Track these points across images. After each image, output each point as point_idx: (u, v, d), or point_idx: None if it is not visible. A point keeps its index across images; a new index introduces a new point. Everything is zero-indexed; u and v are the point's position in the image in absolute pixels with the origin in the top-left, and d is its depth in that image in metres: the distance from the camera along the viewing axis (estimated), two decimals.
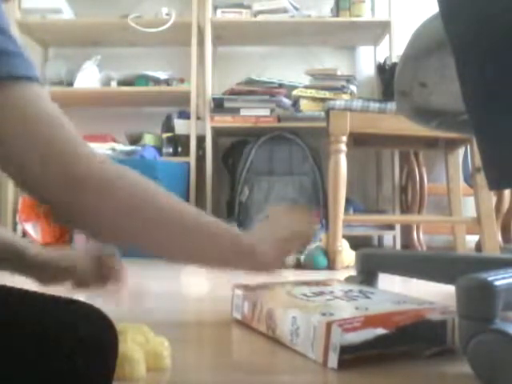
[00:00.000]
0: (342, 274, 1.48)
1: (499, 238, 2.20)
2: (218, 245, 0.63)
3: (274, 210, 0.78)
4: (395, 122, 1.75)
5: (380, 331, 0.70)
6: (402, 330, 0.71)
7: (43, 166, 0.48)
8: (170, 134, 2.49)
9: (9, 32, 0.47)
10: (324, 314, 0.74)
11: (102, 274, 0.82)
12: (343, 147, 1.83)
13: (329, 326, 0.69)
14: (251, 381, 0.67)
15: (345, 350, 0.68)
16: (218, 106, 2.42)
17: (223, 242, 0.63)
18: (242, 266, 0.68)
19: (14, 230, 2.45)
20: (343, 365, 0.68)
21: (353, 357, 0.68)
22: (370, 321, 0.71)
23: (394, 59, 2.45)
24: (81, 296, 1.11)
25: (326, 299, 0.86)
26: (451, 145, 2.13)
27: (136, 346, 0.67)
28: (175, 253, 0.63)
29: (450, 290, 0.74)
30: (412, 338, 0.73)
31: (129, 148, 2.41)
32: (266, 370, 0.72)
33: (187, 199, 2.37)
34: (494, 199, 2.10)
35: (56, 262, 0.79)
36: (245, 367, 0.72)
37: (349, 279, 1.13)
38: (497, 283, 0.63)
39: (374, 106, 1.83)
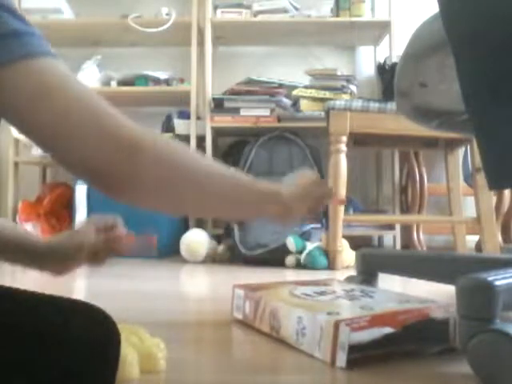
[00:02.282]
0: (342, 274, 1.48)
1: (499, 238, 2.20)
2: (252, 192, 0.66)
3: (292, 175, 0.81)
4: (395, 122, 1.75)
5: (387, 330, 0.70)
6: (407, 329, 0.72)
7: (91, 137, 0.48)
8: (169, 134, 2.49)
9: (17, 12, 0.47)
10: (330, 314, 0.74)
11: (109, 244, 0.81)
12: (343, 147, 1.83)
13: (337, 325, 0.69)
14: (256, 381, 0.67)
15: (353, 349, 0.68)
16: (218, 105, 2.42)
17: (255, 189, 0.67)
18: (269, 209, 0.70)
19: None
20: (350, 364, 0.68)
21: (360, 356, 0.69)
22: (376, 320, 0.72)
23: (394, 59, 2.45)
24: (81, 296, 1.11)
25: (329, 299, 0.86)
26: (451, 145, 2.13)
27: (130, 348, 0.66)
28: (219, 207, 0.65)
29: (449, 289, 0.74)
30: (417, 336, 0.73)
31: None
32: (271, 369, 0.72)
33: None
34: (494, 199, 2.10)
35: (64, 245, 0.79)
36: (249, 367, 0.72)
37: (349, 279, 1.13)
38: (497, 283, 0.63)
39: (374, 105, 1.83)
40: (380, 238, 2.67)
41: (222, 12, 2.53)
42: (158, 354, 0.68)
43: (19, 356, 0.45)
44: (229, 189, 0.63)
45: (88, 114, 0.48)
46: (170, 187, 0.55)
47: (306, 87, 2.38)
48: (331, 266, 1.83)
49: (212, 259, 2.10)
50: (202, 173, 0.58)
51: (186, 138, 2.45)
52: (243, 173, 0.67)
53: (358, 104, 1.83)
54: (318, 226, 2.16)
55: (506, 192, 2.31)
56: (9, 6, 0.46)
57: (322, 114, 2.05)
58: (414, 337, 0.73)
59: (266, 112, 2.38)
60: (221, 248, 2.12)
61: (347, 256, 1.89)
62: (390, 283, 1.19)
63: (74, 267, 0.81)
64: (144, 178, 0.51)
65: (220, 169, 0.61)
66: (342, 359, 0.68)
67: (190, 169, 0.56)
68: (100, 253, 0.81)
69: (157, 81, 2.50)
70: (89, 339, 0.48)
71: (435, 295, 0.94)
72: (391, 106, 1.79)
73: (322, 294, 0.90)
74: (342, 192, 1.83)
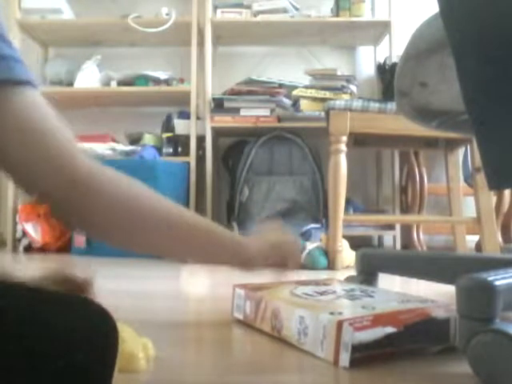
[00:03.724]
0: (342, 274, 1.48)
1: (499, 238, 2.20)
2: (212, 242, 0.67)
3: (263, 226, 0.82)
4: (395, 122, 1.75)
5: (389, 330, 0.70)
6: (409, 329, 0.72)
7: (41, 169, 0.50)
8: (169, 134, 2.49)
9: (6, 37, 0.48)
10: (332, 313, 0.74)
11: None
12: (343, 147, 1.83)
13: (340, 324, 0.70)
14: (259, 380, 0.67)
15: (356, 348, 0.68)
16: (218, 105, 2.42)
17: (215, 240, 0.68)
18: (229, 260, 0.73)
19: (14, 230, 2.45)
20: (353, 363, 0.68)
21: (362, 355, 0.69)
22: (378, 319, 0.72)
23: (394, 59, 2.45)
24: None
25: (330, 298, 0.87)
26: (451, 145, 2.13)
27: None
28: (171, 252, 0.66)
29: (449, 289, 0.74)
30: (419, 336, 0.74)
31: (129, 148, 2.41)
32: (274, 369, 0.72)
33: (187, 199, 2.37)
34: (494, 199, 2.10)
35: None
36: (251, 367, 0.72)
37: (349, 279, 1.14)
38: (497, 283, 0.63)
39: (374, 105, 1.83)
40: (380, 238, 2.67)
41: (222, 12, 2.53)
42: (139, 353, 0.67)
43: (17, 352, 0.45)
44: (193, 238, 0.63)
45: (52, 146, 0.50)
46: (122, 228, 0.56)
47: (306, 87, 2.38)
48: (331, 266, 1.83)
49: None
50: (164, 220, 0.59)
51: (186, 138, 2.46)
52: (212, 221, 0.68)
53: (358, 104, 1.83)
54: (318, 226, 2.16)
55: (506, 192, 2.31)
56: (2, 34, 0.47)
57: (322, 114, 2.05)
58: (416, 336, 0.74)
59: (266, 112, 2.38)
60: None
61: (347, 256, 1.89)
62: (390, 283, 1.19)
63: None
64: (98, 217, 0.54)
65: (188, 218, 0.62)
66: (345, 359, 0.69)
67: (149, 215, 0.57)
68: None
69: (157, 81, 2.50)
70: (87, 334, 0.48)
71: (435, 295, 0.94)
72: (391, 106, 1.79)
73: (322, 293, 0.90)
74: (343, 192, 1.83)
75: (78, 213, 0.53)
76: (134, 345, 0.69)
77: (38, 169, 0.50)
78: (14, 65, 0.48)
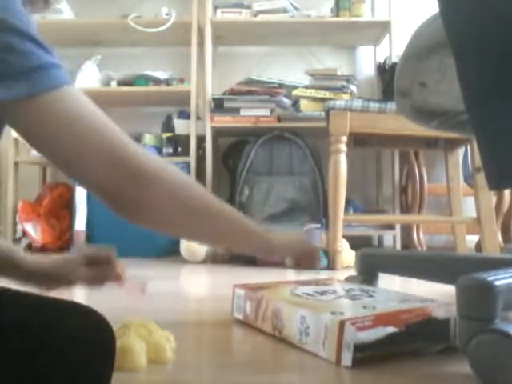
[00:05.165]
0: (342, 274, 1.48)
1: (499, 238, 2.20)
2: (245, 231, 0.70)
3: (287, 229, 0.89)
4: (395, 122, 1.75)
5: (391, 329, 0.71)
6: (410, 328, 0.72)
7: (100, 162, 0.51)
8: (169, 134, 2.49)
9: (43, 43, 0.50)
10: (334, 313, 0.74)
11: (100, 274, 0.82)
12: (343, 147, 1.83)
13: (342, 324, 0.70)
14: (261, 380, 0.67)
15: (358, 348, 0.68)
16: (218, 106, 2.42)
17: (254, 238, 0.72)
18: (257, 247, 0.76)
19: (14, 229, 2.45)
20: (354, 363, 0.68)
21: (364, 355, 0.69)
22: (380, 319, 0.72)
23: (394, 59, 2.45)
24: (81, 296, 1.11)
25: (331, 298, 0.87)
26: (451, 145, 2.13)
27: (138, 339, 0.69)
28: (210, 238, 0.69)
29: (449, 289, 0.74)
30: (419, 335, 0.74)
31: None
32: (276, 369, 0.72)
33: None
34: (494, 199, 2.10)
35: (57, 270, 0.79)
36: (251, 367, 0.72)
37: (349, 279, 1.14)
38: (497, 283, 0.63)
39: (374, 105, 1.83)
40: (380, 238, 2.67)
41: (222, 12, 2.53)
42: (166, 345, 0.71)
43: (14, 358, 0.45)
44: (229, 228, 0.67)
45: (105, 143, 0.52)
46: (176, 218, 0.59)
47: (306, 87, 2.38)
48: (331, 266, 1.83)
49: (212, 259, 2.10)
50: (207, 210, 0.62)
51: (186, 138, 2.46)
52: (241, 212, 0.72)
53: (358, 104, 1.83)
54: (318, 226, 2.16)
55: (506, 192, 2.31)
56: (38, 40, 0.49)
57: (322, 114, 2.05)
58: (417, 336, 0.74)
59: (266, 112, 2.38)
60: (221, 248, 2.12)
61: (347, 256, 1.89)
62: (390, 283, 1.19)
63: (63, 288, 0.82)
64: (152, 207, 0.55)
65: (224, 209, 0.65)
66: (347, 358, 0.69)
67: (197, 205, 0.60)
68: (89, 282, 0.81)
69: (157, 81, 2.50)
70: (83, 340, 0.48)
71: (435, 295, 0.94)
72: (391, 105, 1.79)
73: (323, 293, 0.90)
74: (343, 192, 1.83)
75: (136, 205, 0.54)
76: (160, 337, 0.72)
77: (96, 164, 0.51)
78: (56, 71, 0.50)
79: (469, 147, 2.06)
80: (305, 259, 0.86)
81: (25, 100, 0.48)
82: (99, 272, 0.82)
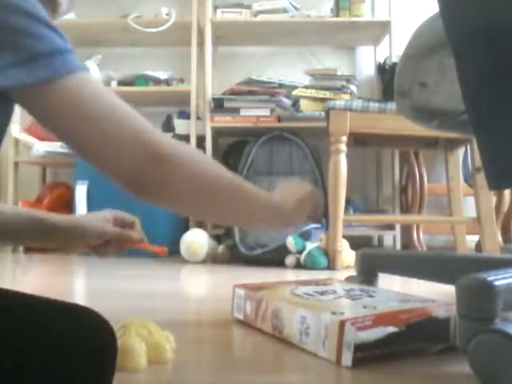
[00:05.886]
0: (342, 274, 1.48)
1: (499, 238, 2.20)
2: (259, 206, 0.71)
3: (286, 183, 0.86)
4: (395, 122, 1.75)
5: (391, 329, 0.71)
6: (411, 328, 0.72)
7: (118, 143, 0.52)
8: (170, 134, 2.49)
9: (59, 30, 0.51)
10: (334, 313, 0.74)
11: (122, 241, 0.84)
12: (343, 147, 1.83)
13: (342, 324, 0.70)
14: (262, 380, 0.67)
15: (358, 348, 0.68)
16: (218, 106, 2.42)
17: (262, 204, 0.71)
18: (273, 221, 0.75)
19: None
20: (355, 363, 0.68)
21: (365, 355, 0.69)
22: (380, 319, 0.72)
23: (394, 59, 2.45)
24: (81, 296, 1.11)
25: (331, 298, 0.87)
26: (451, 145, 2.13)
27: (138, 339, 0.69)
28: (227, 216, 0.70)
29: (449, 289, 0.74)
30: (420, 335, 0.74)
31: None
32: (276, 369, 0.72)
33: None
34: (494, 199, 2.10)
35: (86, 227, 0.81)
36: (252, 367, 0.72)
37: (349, 279, 1.14)
38: (497, 283, 0.63)
39: (374, 106, 1.83)
40: (380, 238, 2.67)
41: (222, 12, 2.53)
42: (166, 345, 0.71)
43: (15, 359, 0.45)
44: (246, 202, 0.68)
45: (125, 125, 0.52)
46: (195, 198, 0.60)
47: (306, 87, 2.38)
48: (331, 266, 1.83)
49: (212, 259, 2.10)
50: (226, 189, 0.63)
51: (185, 138, 2.46)
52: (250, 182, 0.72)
53: (358, 104, 1.83)
54: (318, 226, 2.16)
55: (506, 192, 2.31)
56: (52, 26, 0.50)
57: (322, 114, 2.05)
58: (417, 335, 0.74)
59: (266, 112, 2.38)
60: (221, 248, 2.12)
61: (347, 256, 1.89)
62: (389, 283, 1.19)
63: (82, 248, 0.83)
64: (173, 187, 0.56)
65: (241, 184, 0.66)
66: (347, 358, 0.69)
67: (216, 185, 0.61)
68: (110, 245, 0.83)
69: (157, 81, 2.50)
70: (85, 342, 0.48)
71: (435, 295, 0.94)
72: (391, 105, 1.79)
73: (323, 293, 0.90)
74: (343, 192, 1.83)
75: (159, 186, 0.54)
76: (160, 337, 0.72)
77: (120, 148, 0.51)
78: (71, 56, 0.51)
79: (469, 147, 2.06)
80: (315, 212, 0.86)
81: (43, 84, 0.48)
82: (125, 232, 0.84)
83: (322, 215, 0.89)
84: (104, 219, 0.83)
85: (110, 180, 0.54)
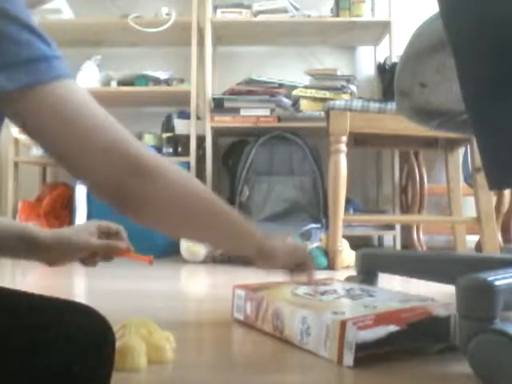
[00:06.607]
0: (342, 274, 1.48)
1: (499, 238, 2.20)
2: (242, 232, 0.70)
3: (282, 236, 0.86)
4: (395, 122, 1.75)
5: (392, 328, 0.71)
6: (412, 327, 0.72)
7: (99, 153, 0.51)
8: (170, 134, 2.49)
9: (45, 36, 0.50)
10: (335, 313, 0.74)
11: (108, 251, 0.84)
12: (343, 147, 1.83)
13: (343, 324, 0.70)
14: (263, 380, 0.67)
15: (359, 347, 0.68)
16: (218, 106, 2.42)
17: (245, 230, 0.71)
18: (255, 253, 0.75)
19: None
20: (356, 362, 0.68)
21: (366, 354, 0.69)
22: (381, 318, 0.72)
23: (394, 59, 2.45)
24: (81, 296, 1.11)
25: (332, 298, 0.87)
26: (451, 145, 2.13)
27: (138, 339, 0.69)
28: (210, 240, 0.69)
29: (449, 289, 0.74)
30: (421, 334, 0.74)
31: None
32: (277, 369, 0.72)
33: None
34: (494, 199, 2.10)
35: (71, 240, 0.81)
36: (253, 367, 0.72)
37: (349, 279, 1.14)
38: (497, 283, 0.63)
39: (374, 106, 1.83)
40: (380, 238, 2.67)
41: (222, 12, 2.53)
42: (166, 345, 0.71)
43: (14, 357, 0.45)
44: (228, 228, 0.67)
45: (109, 134, 0.52)
46: (178, 214, 0.59)
47: (305, 87, 2.38)
48: (331, 266, 1.83)
49: (212, 259, 2.10)
50: (207, 208, 0.62)
51: (186, 138, 2.46)
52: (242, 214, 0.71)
53: (358, 104, 1.83)
54: (318, 226, 2.16)
55: (506, 192, 2.31)
56: (39, 32, 0.49)
57: (322, 114, 2.05)
58: (418, 335, 0.74)
59: (266, 112, 2.38)
60: None
61: (347, 256, 1.89)
62: (389, 283, 1.19)
63: (69, 262, 0.83)
64: (154, 203, 0.55)
65: (221, 205, 0.64)
66: (349, 358, 0.69)
67: (197, 202, 0.60)
68: (96, 256, 0.83)
69: (157, 81, 2.50)
70: (83, 340, 0.48)
71: (435, 295, 0.94)
72: (391, 105, 1.79)
73: (323, 293, 0.90)
74: (343, 192, 1.83)
75: (137, 201, 0.53)
76: (160, 337, 0.72)
77: (98, 159, 0.51)
78: (57, 63, 0.50)
79: (469, 147, 2.06)
80: (300, 269, 0.86)
81: (25, 90, 0.47)
82: (111, 242, 0.84)
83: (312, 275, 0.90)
84: (88, 232, 0.83)
85: (91, 192, 0.53)
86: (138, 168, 0.52)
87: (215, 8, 2.53)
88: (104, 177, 0.52)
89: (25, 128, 0.50)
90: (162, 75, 2.51)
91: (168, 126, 2.53)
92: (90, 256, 0.83)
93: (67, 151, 0.51)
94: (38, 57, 0.48)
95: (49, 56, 0.49)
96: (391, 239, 2.54)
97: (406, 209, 2.53)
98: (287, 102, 2.41)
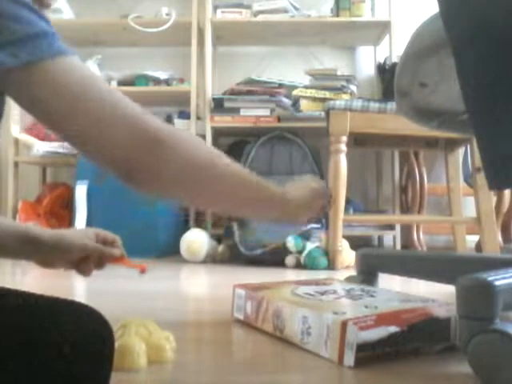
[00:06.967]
0: (342, 274, 1.48)
1: (499, 238, 2.20)
2: (261, 194, 0.71)
3: (297, 180, 0.87)
4: (395, 122, 1.75)
5: (393, 329, 0.71)
6: (412, 328, 0.73)
7: (110, 128, 0.51)
8: None
9: (43, 14, 0.49)
10: (336, 313, 0.74)
11: (102, 258, 0.84)
12: (343, 147, 1.83)
13: (344, 324, 0.70)
14: (263, 380, 0.67)
15: (360, 348, 0.68)
16: (218, 106, 2.42)
17: (264, 192, 0.71)
18: (275, 212, 0.75)
19: None
20: (357, 363, 0.68)
21: (367, 355, 0.69)
22: (382, 319, 0.72)
23: (394, 59, 2.45)
24: (81, 296, 1.11)
25: (332, 298, 0.87)
26: (451, 145, 2.13)
27: (138, 339, 0.69)
28: (229, 204, 0.68)
29: (449, 289, 0.74)
30: (421, 335, 0.74)
31: None
32: (276, 369, 0.72)
33: None
34: (494, 199, 2.10)
35: (69, 242, 0.81)
36: (253, 367, 0.72)
37: (349, 279, 1.14)
38: (497, 283, 0.63)
39: (374, 106, 1.83)
40: (380, 238, 2.67)
41: (222, 12, 2.53)
42: (166, 345, 0.71)
43: (14, 357, 0.45)
44: (242, 189, 0.66)
45: (119, 106, 0.52)
46: (188, 181, 0.58)
47: (305, 87, 2.38)
48: (331, 266, 1.83)
49: (212, 259, 2.10)
50: (219, 170, 0.61)
51: None
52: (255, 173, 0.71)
53: (358, 104, 1.83)
54: (318, 226, 2.16)
55: (506, 192, 2.31)
56: (36, 10, 0.49)
57: (322, 114, 2.05)
58: (418, 335, 0.74)
59: (266, 112, 2.38)
60: (221, 248, 2.12)
61: (347, 256, 1.89)
62: (389, 283, 1.19)
63: (65, 263, 0.82)
64: (166, 171, 0.54)
65: (236, 168, 0.64)
66: (349, 358, 0.69)
67: (209, 166, 0.59)
68: (89, 260, 0.82)
69: (157, 81, 2.50)
70: (83, 340, 0.48)
71: (435, 295, 0.94)
72: (391, 105, 1.79)
73: (324, 293, 0.90)
74: (343, 192, 1.83)
75: (153, 172, 0.53)
76: (160, 337, 0.72)
77: (113, 135, 0.50)
78: (56, 39, 0.49)
79: (469, 147, 2.06)
80: (320, 212, 0.85)
81: (29, 66, 0.47)
82: (106, 247, 0.84)
83: (327, 212, 0.88)
84: (86, 235, 0.83)
85: (100, 167, 0.52)
86: (150, 137, 0.52)
87: (215, 8, 2.53)
88: (115, 148, 0.51)
89: (29, 106, 0.50)
90: (162, 75, 2.52)
91: None
92: (84, 260, 0.82)
93: (75, 125, 0.50)
94: (38, 33, 0.48)
95: (49, 32, 0.49)
96: (391, 239, 2.54)
97: (405, 209, 2.53)
98: (287, 102, 2.41)
